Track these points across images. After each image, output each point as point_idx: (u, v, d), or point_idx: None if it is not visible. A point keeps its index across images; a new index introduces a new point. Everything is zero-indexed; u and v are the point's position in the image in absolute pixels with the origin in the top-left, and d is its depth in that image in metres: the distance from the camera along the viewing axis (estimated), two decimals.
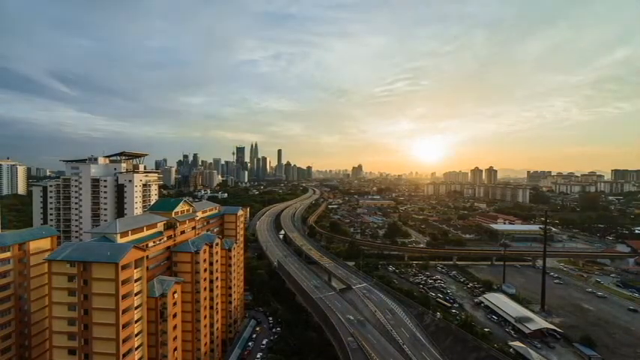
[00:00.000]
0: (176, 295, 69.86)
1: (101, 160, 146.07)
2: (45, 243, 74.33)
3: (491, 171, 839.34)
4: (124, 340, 55.80)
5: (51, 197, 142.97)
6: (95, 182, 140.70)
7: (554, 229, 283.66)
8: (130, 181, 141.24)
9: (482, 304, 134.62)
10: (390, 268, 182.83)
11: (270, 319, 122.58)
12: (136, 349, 59.21)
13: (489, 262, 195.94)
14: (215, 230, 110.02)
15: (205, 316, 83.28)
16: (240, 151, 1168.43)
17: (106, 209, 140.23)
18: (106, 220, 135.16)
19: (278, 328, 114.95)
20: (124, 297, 55.63)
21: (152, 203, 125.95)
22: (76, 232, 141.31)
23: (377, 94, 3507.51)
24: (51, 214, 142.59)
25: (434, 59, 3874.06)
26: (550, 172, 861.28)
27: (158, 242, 74.54)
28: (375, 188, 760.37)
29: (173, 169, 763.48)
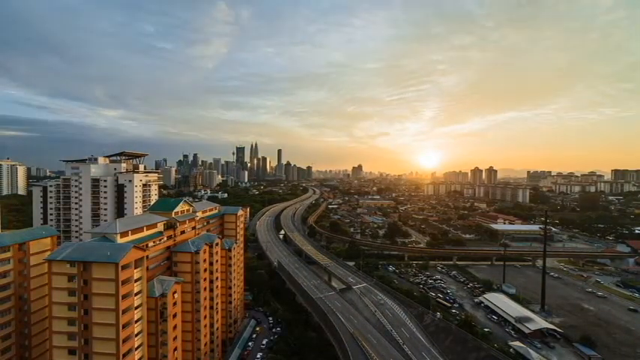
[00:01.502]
0: (176, 295, 69.82)
1: (101, 160, 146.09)
2: (45, 243, 74.29)
3: (491, 171, 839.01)
4: (124, 340, 55.78)
5: (51, 197, 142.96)
6: (95, 182, 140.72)
7: (554, 229, 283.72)
8: (130, 181, 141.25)
9: (482, 304, 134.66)
10: (390, 268, 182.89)
11: (270, 319, 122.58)
12: (136, 349, 59.17)
13: (489, 262, 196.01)
14: (215, 230, 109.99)
15: (205, 316, 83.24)
16: (240, 151, 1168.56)
17: (106, 209, 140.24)
18: (106, 220, 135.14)
19: (278, 328, 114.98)
20: (124, 297, 55.60)
21: (152, 203, 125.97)
22: (76, 232, 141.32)
23: (387, 101, 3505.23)
24: (51, 214, 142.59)
25: (444, 77, 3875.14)
26: (550, 172, 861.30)
27: (158, 242, 74.51)
28: (375, 188, 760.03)
29: (173, 169, 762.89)
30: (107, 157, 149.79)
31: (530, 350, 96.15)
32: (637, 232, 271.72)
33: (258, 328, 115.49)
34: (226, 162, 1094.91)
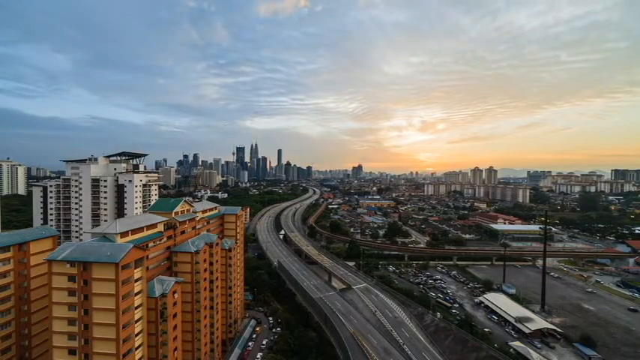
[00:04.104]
0: (176, 295, 69.84)
1: (101, 160, 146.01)
2: (45, 243, 74.16)
3: (491, 171, 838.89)
4: (124, 340, 55.78)
5: (51, 197, 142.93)
6: (95, 182, 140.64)
7: (554, 229, 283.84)
8: (130, 181, 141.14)
9: (483, 304, 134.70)
10: (390, 268, 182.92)
11: (270, 319, 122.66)
12: (136, 349, 59.15)
13: (489, 262, 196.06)
14: (215, 230, 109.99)
15: (205, 316, 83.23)
16: (240, 151, 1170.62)
17: (106, 209, 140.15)
18: (106, 220, 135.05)
19: (278, 328, 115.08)
20: (124, 297, 55.59)
21: (152, 203, 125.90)
22: (76, 232, 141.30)
23: (388, 102, 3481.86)
24: (51, 214, 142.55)
25: (450, 89, 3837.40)
26: (550, 172, 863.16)
27: (158, 242, 74.52)
28: (375, 188, 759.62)
29: (173, 169, 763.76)
30: (107, 157, 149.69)
31: (531, 350, 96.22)
32: (637, 232, 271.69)
33: (258, 328, 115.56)
34: (226, 162, 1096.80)
